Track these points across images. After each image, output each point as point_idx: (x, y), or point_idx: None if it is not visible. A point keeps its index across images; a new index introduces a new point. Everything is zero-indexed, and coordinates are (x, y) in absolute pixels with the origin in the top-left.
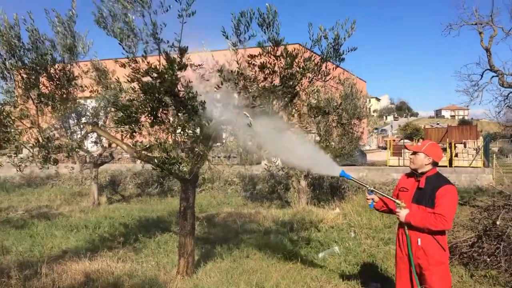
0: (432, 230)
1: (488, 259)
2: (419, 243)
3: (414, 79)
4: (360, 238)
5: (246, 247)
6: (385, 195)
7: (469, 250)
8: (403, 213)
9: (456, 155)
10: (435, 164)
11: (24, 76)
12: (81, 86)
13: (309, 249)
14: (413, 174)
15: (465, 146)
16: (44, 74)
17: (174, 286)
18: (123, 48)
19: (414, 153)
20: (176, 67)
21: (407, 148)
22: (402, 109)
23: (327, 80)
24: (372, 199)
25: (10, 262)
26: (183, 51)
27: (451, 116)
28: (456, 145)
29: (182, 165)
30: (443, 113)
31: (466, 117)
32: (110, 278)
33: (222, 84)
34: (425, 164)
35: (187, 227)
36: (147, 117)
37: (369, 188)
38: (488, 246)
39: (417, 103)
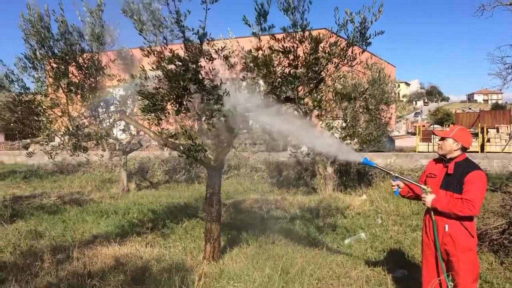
0: (459, 216)
1: None
2: (447, 229)
3: (445, 63)
4: (387, 224)
5: (271, 233)
6: (411, 181)
7: (499, 237)
8: (429, 198)
9: (488, 140)
10: (464, 149)
11: (54, 65)
12: (109, 75)
13: (335, 236)
14: (441, 160)
15: (497, 131)
16: (73, 64)
17: (201, 270)
18: (144, 38)
19: (443, 138)
20: (198, 54)
21: (435, 134)
22: (432, 93)
23: (354, 66)
24: (398, 185)
25: (44, 247)
26: (202, 37)
27: (483, 100)
28: (489, 130)
29: (207, 152)
30: (476, 97)
31: (499, 101)
32: (139, 263)
33: (246, 71)
34: (454, 150)
35: (213, 213)
36: (172, 105)
37: (393, 174)
38: None
39: (449, 87)
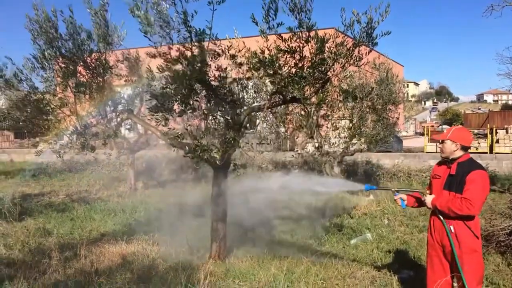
0: (458, 215)
1: None
2: (452, 230)
3: (455, 63)
4: (393, 225)
5: (278, 233)
6: (409, 190)
7: (506, 238)
8: (428, 199)
9: (497, 141)
10: (465, 148)
11: (62, 65)
12: (116, 75)
13: (341, 236)
14: (445, 161)
15: (507, 132)
16: (81, 64)
17: (207, 269)
18: (149, 39)
19: (442, 141)
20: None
21: (433, 139)
22: (441, 93)
23: (360, 66)
24: (401, 198)
25: (52, 244)
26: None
27: (493, 100)
28: (498, 130)
29: (213, 151)
30: (485, 97)
31: (510, 102)
32: (145, 261)
33: (252, 72)
34: (454, 151)
35: (219, 213)
36: (179, 105)
37: (393, 190)
38: None
39: (458, 87)
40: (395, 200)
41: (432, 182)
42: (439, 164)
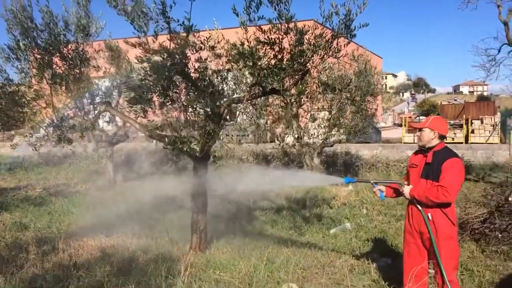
0: (435, 203)
1: (500, 235)
2: (430, 218)
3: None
4: (372, 214)
5: (258, 224)
6: (387, 181)
7: (480, 226)
8: (406, 190)
9: (473, 132)
10: (442, 137)
11: (38, 56)
12: (94, 66)
13: (320, 226)
14: (422, 150)
15: (482, 123)
16: (57, 55)
17: (187, 261)
18: (134, 28)
19: (420, 129)
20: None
21: (411, 127)
22: (419, 85)
23: (339, 57)
24: (380, 189)
25: (29, 238)
26: (188, 29)
27: (469, 92)
28: (473, 121)
29: (193, 143)
30: (461, 89)
31: (485, 93)
32: (125, 253)
33: (232, 63)
34: (432, 139)
35: (199, 204)
36: (158, 97)
37: (372, 181)
38: (500, 222)
39: (435, 79)
40: (374, 192)
41: (410, 171)
42: (416, 153)
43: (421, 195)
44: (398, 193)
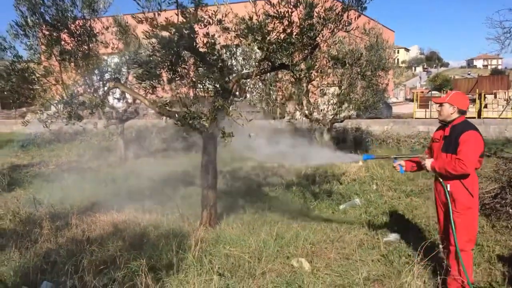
0: (453, 175)
1: (511, 210)
2: (448, 189)
3: (445, 29)
4: (381, 190)
5: (268, 200)
6: (409, 155)
7: (491, 201)
8: (428, 162)
9: (486, 106)
10: (461, 112)
11: (46, 33)
12: (102, 42)
13: (330, 202)
14: (443, 125)
15: (495, 97)
16: (65, 31)
17: (197, 236)
18: (138, 4)
19: (440, 104)
20: (192, 20)
21: (433, 101)
22: (432, 59)
23: (349, 31)
24: (400, 164)
25: (43, 214)
26: (198, 3)
27: (483, 66)
28: (486, 95)
29: (202, 119)
30: (475, 62)
31: (499, 67)
32: (137, 229)
33: (240, 38)
34: (451, 113)
35: (209, 181)
36: (167, 73)
37: (392, 156)
38: (511, 197)
39: (448, 53)
40: (393, 166)
41: (432, 146)
42: (438, 129)
43: (440, 167)
44: (419, 166)
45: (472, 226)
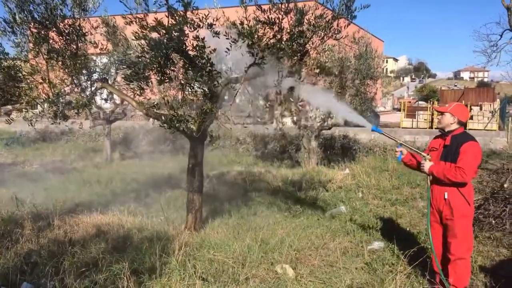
0: (452, 182)
1: (494, 221)
2: (446, 197)
3: (434, 40)
4: (367, 198)
5: (254, 205)
6: (413, 149)
7: (475, 212)
8: (427, 165)
9: (471, 118)
10: (461, 123)
11: (34, 31)
12: (91, 42)
13: (316, 208)
14: (441, 135)
15: (481, 109)
16: (54, 29)
17: (182, 240)
18: (125, 5)
19: (441, 113)
20: (183, 23)
21: (435, 110)
22: (420, 70)
23: (339, 39)
24: (401, 151)
25: (25, 214)
26: (187, 5)
27: (470, 78)
28: (472, 107)
29: (189, 123)
30: (462, 74)
31: (485, 79)
32: (120, 231)
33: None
34: (451, 123)
35: (195, 184)
36: (155, 74)
37: (398, 141)
38: (494, 208)
39: (436, 64)
40: (395, 151)
41: (430, 155)
42: (435, 138)
43: (439, 172)
44: (417, 164)
45: (469, 234)
